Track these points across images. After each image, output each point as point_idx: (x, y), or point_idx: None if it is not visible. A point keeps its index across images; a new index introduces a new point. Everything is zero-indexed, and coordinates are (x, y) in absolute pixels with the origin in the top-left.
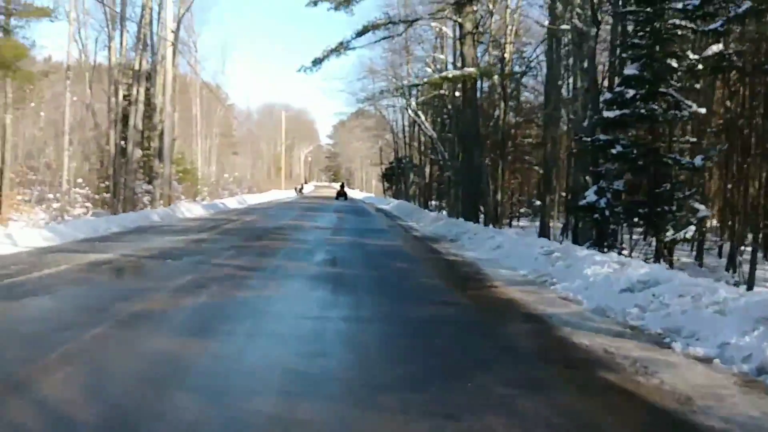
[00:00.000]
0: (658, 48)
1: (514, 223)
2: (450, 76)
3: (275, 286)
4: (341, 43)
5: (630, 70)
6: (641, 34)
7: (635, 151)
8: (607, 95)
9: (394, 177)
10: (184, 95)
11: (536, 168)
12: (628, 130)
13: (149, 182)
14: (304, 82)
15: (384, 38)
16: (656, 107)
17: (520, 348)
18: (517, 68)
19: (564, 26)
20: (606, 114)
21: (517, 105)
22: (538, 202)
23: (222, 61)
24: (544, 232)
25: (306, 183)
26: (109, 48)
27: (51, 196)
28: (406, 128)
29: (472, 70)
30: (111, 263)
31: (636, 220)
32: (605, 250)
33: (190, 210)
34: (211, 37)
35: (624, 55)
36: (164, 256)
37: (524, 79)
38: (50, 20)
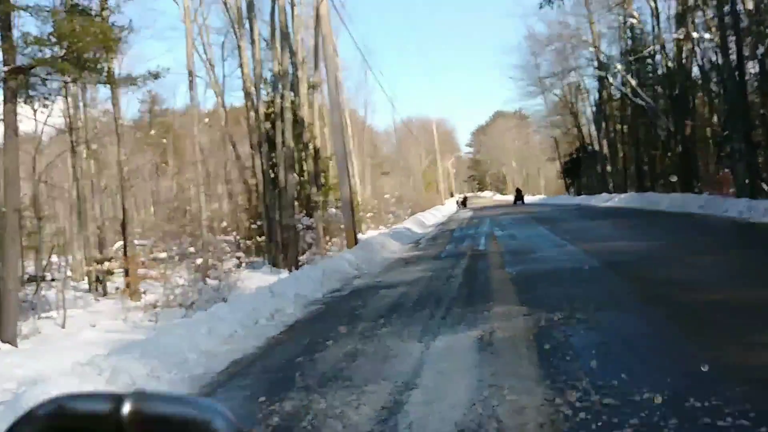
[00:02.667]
0: None
1: None
2: None
3: None
4: None
5: None
6: None
7: None
8: None
9: (579, 169)
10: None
11: None
12: None
13: (309, 215)
14: (441, 90)
15: None
16: None
17: None
18: None
19: None
20: None
21: None
22: None
23: (363, 70)
24: None
25: (453, 195)
26: (240, 49)
27: (193, 249)
28: (591, 109)
29: None
30: None
31: None
32: None
33: (383, 245)
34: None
35: None
36: None
37: None
38: None
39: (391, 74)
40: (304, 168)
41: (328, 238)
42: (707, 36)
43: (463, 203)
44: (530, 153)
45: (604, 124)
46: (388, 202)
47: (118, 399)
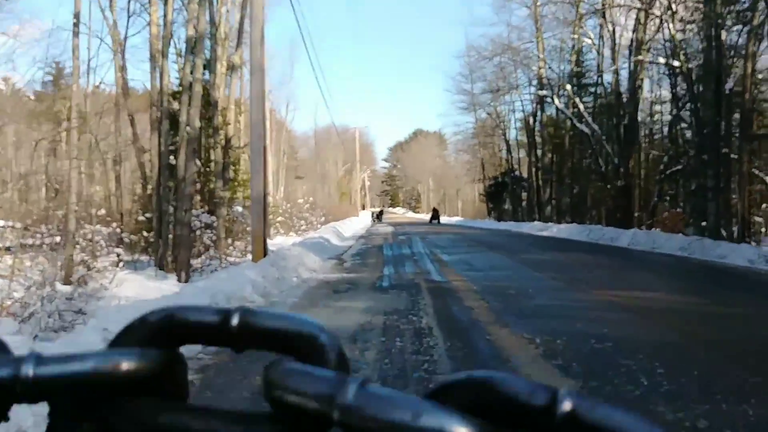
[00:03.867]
0: None
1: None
2: None
3: None
4: None
5: None
6: None
7: None
8: None
9: (504, 194)
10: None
11: None
12: None
13: (211, 212)
14: (364, 102)
15: None
16: None
17: None
18: None
19: None
20: None
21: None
22: None
23: (290, 63)
24: None
25: (365, 208)
26: (150, 4)
27: (58, 240)
28: (516, 132)
29: None
30: None
31: None
32: None
33: (301, 260)
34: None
35: None
36: None
37: None
38: None
39: (317, 78)
40: (212, 158)
41: (230, 240)
42: (676, 63)
43: (379, 217)
44: (449, 173)
45: (537, 150)
46: (302, 207)
47: (225, 312)
